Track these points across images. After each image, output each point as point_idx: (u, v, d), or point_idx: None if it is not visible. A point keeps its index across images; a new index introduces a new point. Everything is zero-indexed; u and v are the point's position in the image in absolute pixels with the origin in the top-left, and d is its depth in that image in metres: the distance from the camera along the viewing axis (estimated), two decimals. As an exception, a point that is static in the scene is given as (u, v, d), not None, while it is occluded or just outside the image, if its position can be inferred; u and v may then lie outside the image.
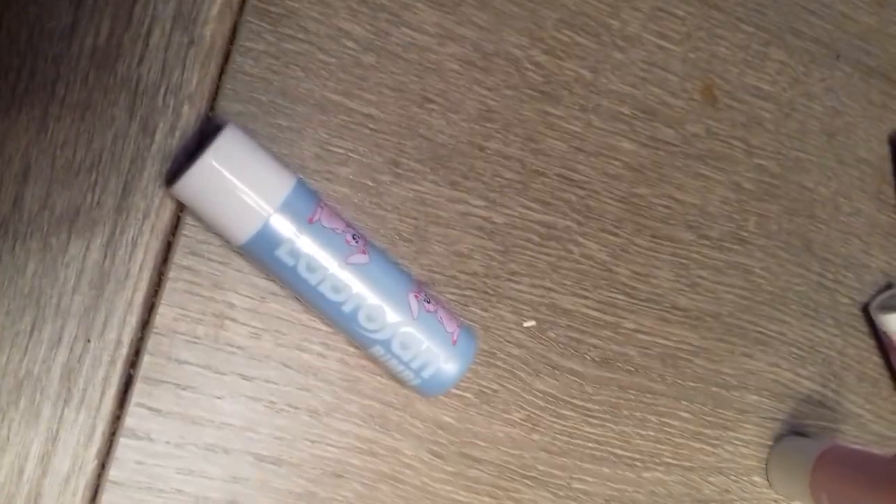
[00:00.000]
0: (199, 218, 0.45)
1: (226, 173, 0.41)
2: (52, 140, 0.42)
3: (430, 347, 0.46)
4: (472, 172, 0.52)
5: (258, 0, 0.47)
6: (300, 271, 0.43)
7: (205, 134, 0.45)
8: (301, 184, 0.44)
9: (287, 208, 0.42)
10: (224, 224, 0.42)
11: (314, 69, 0.49)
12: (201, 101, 0.45)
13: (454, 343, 0.47)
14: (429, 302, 0.47)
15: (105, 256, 0.43)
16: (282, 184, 0.42)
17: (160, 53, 0.44)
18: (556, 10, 0.55)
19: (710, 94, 0.60)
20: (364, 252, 0.45)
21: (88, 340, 0.43)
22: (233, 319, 0.47)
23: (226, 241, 0.46)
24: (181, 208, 0.45)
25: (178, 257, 0.45)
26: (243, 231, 0.42)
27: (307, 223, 0.43)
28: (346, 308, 0.44)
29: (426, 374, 0.46)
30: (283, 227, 0.42)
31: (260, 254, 0.43)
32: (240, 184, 0.41)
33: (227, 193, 0.41)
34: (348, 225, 0.45)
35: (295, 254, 0.43)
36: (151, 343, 0.45)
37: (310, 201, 0.43)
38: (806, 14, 0.64)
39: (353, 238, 0.44)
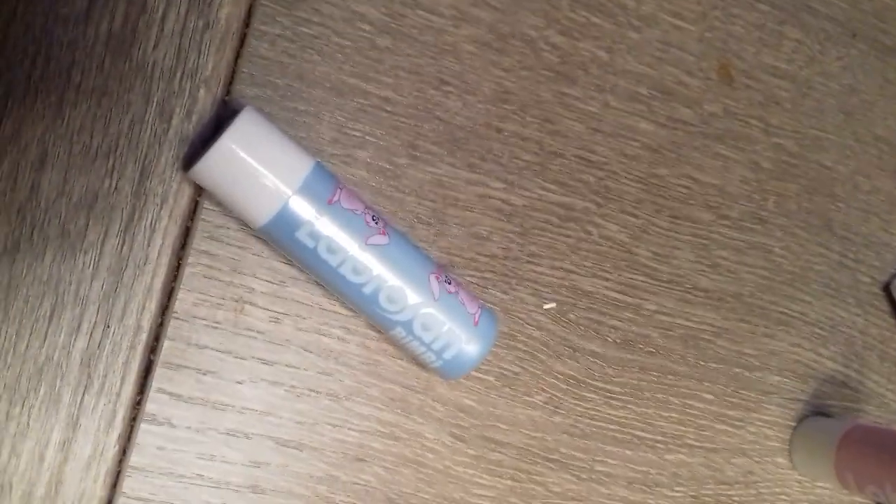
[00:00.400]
0: (217, 201, 0.44)
1: (244, 155, 0.40)
2: (68, 126, 0.42)
3: (451, 328, 0.45)
4: (490, 154, 0.52)
5: (272, -17, 0.47)
6: (320, 253, 0.43)
7: (221, 118, 0.45)
8: (320, 165, 0.43)
9: (306, 189, 0.42)
10: (243, 206, 0.42)
11: (330, 52, 0.48)
12: (217, 85, 0.45)
13: (476, 324, 0.46)
14: (449, 283, 0.46)
15: (123, 242, 0.43)
16: (300, 165, 0.42)
17: (175, 38, 0.44)
18: (571, -10, 0.55)
19: (727, 74, 0.60)
20: (384, 233, 0.44)
21: (108, 326, 0.42)
22: (253, 304, 0.46)
23: (245, 225, 0.46)
24: (199, 193, 0.45)
25: (197, 242, 0.45)
26: (263, 213, 0.42)
27: (327, 204, 0.42)
28: (367, 290, 0.44)
29: (448, 355, 0.46)
30: (303, 208, 0.42)
31: (280, 236, 0.43)
32: (258, 166, 0.41)
33: (245, 175, 0.41)
34: (367, 206, 0.45)
35: (315, 235, 0.42)
36: (171, 328, 0.44)
37: (329, 182, 0.43)
38: (821, -8, 0.64)
39: (373, 219, 0.44)
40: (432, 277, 0.45)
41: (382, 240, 0.44)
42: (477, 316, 0.47)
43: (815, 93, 0.63)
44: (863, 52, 0.65)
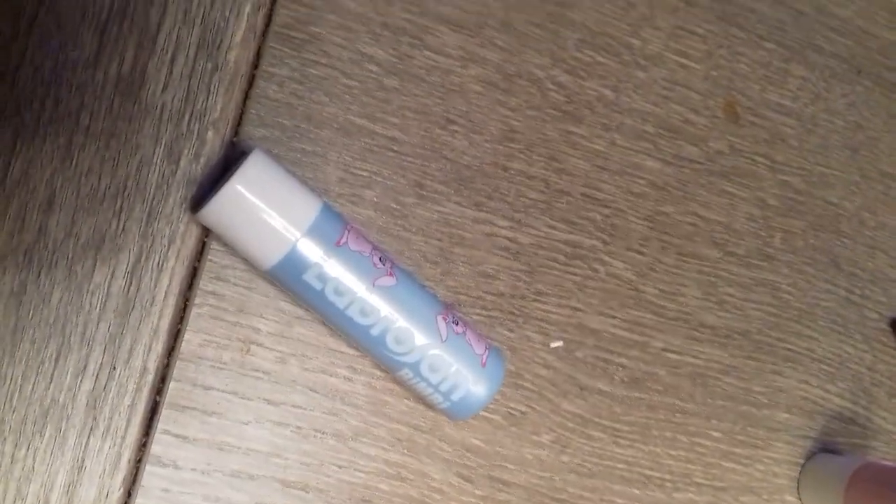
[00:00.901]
0: (225, 243, 0.44)
1: (253, 198, 0.41)
2: (76, 168, 0.42)
3: (459, 370, 0.45)
4: (497, 193, 0.52)
5: (281, 25, 0.47)
6: (328, 295, 0.43)
7: (229, 159, 0.45)
8: (327, 207, 0.43)
9: (314, 232, 0.42)
10: (251, 249, 0.42)
11: (337, 93, 0.49)
12: (225, 127, 0.45)
13: (483, 365, 0.46)
14: (457, 324, 0.46)
15: (130, 283, 0.43)
16: (308, 207, 0.42)
17: (184, 80, 0.44)
18: (578, 30, 0.55)
19: (733, 111, 0.60)
20: (391, 274, 0.44)
21: (114, 368, 0.42)
22: (259, 344, 0.46)
23: (253, 266, 0.46)
24: (206, 233, 0.45)
25: (204, 283, 0.45)
26: (271, 256, 0.42)
27: (334, 246, 0.42)
28: (375, 331, 0.44)
29: (455, 397, 0.46)
30: (311, 251, 0.42)
31: (287, 278, 0.43)
32: (267, 208, 0.41)
33: (254, 218, 0.41)
34: (375, 247, 0.45)
35: (323, 278, 0.42)
36: (177, 369, 0.44)
37: (337, 224, 0.43)
38: (826, 30, 0.64)
39: (381, 260, 0.44)
40: (440, 318, 0.45)
41: (390, 281, 0.44)
42: (484, 357, 0.46)
43: (821, 129, 0.63)
44: (868, 89, 0.65)
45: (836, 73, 0.64)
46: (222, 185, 0.41)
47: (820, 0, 0.64)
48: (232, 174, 0.41)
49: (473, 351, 0.46)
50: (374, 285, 0.43)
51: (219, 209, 0.41)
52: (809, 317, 0.61)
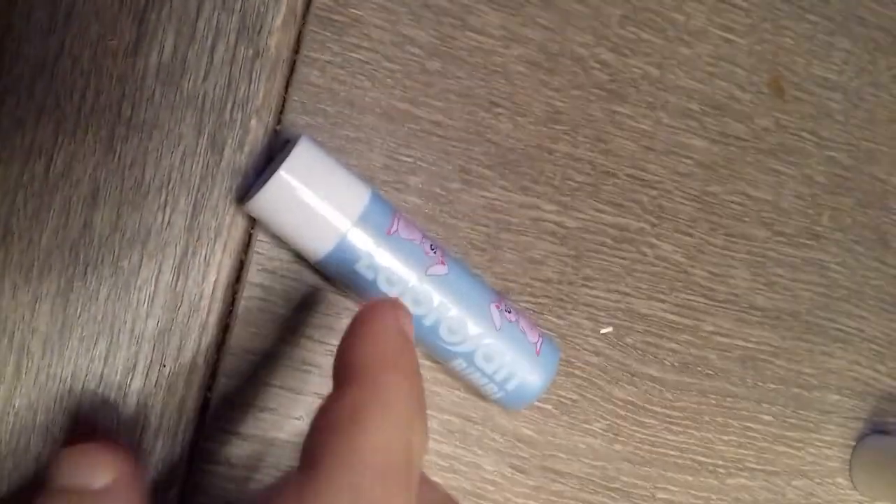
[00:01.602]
0: (273, 235, 0.43)
1: (302, 187, 0.39)
2: (119, 161, 0.41)
3: (514, 359, 0.44)
4: (542, 176, 0.51)
5: (321, 8, 0.46)
6: (380, 285, 0.41)
7: (273, 149, 0.44)
8: (376, 194, 0.42)
9: (365, 221, 0.41)
10: (301, 240, 0.41)
11: (380, 77, 0.47)
12: (268, 115, 0.44)
13: (538, 353, 0.45)
14: (510, 312, 0.45)
15: (178, 278, 0.42)
16: (358, 195, 0.41)
17: (226, 67, 0.42)
18: (620, 6, 0.53)
19: (778, 87, 0.58)
20: (443, 262, 0.43)
21: (164, 365, 0.41)
22: (308, 337, 0.45)
23: (299, 256, 0.44)
24: (253, 225, 0.44)
25: (251, 275, 0.44)
26: (321, 246, 0.40)
27: (385, 235, 0.41)
28: (428, 321, 0.43)
29: (510, 386, 0.45)
30: (362, 240, 0.41)
31: (338, 269, 0.41)
32: (316, 198, 0.40)
33: (303, 208, 0.40)
34: (424, 235, 0.43)
35: (374, 267, 0.41)
36: (226, 364, 0.43)
37: (386, 212, 0.42)
38: (869, 1, 0.62)
39: (432, 248, 0.43)
40: (493, 306, 0.44)
41: (442, 270, 0.43)
42: (539, 345, 0.45)
43: (866, 103, 0.61)
44: (912, 60, 0.63)
45: (881, 46, 0.62)
46: (269, 174, 0.40)
47: (864, -30, 0.62)
48: (279, 163, 0.40)
49: (528, 339, 0.45)
50: (426, 274, 0.42)
51: (268, 199, 0.39)
52: (858, 296, 0.60)
